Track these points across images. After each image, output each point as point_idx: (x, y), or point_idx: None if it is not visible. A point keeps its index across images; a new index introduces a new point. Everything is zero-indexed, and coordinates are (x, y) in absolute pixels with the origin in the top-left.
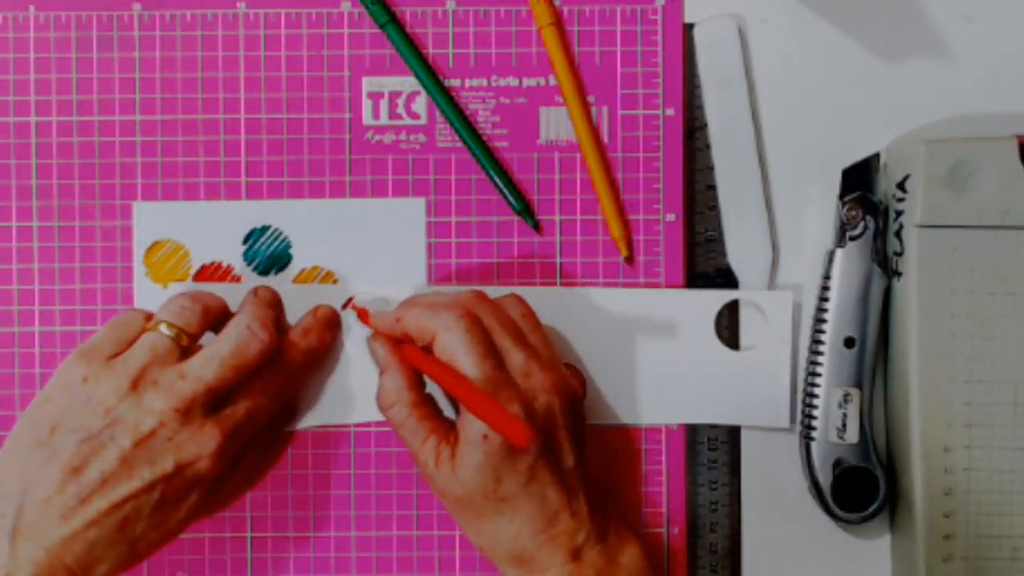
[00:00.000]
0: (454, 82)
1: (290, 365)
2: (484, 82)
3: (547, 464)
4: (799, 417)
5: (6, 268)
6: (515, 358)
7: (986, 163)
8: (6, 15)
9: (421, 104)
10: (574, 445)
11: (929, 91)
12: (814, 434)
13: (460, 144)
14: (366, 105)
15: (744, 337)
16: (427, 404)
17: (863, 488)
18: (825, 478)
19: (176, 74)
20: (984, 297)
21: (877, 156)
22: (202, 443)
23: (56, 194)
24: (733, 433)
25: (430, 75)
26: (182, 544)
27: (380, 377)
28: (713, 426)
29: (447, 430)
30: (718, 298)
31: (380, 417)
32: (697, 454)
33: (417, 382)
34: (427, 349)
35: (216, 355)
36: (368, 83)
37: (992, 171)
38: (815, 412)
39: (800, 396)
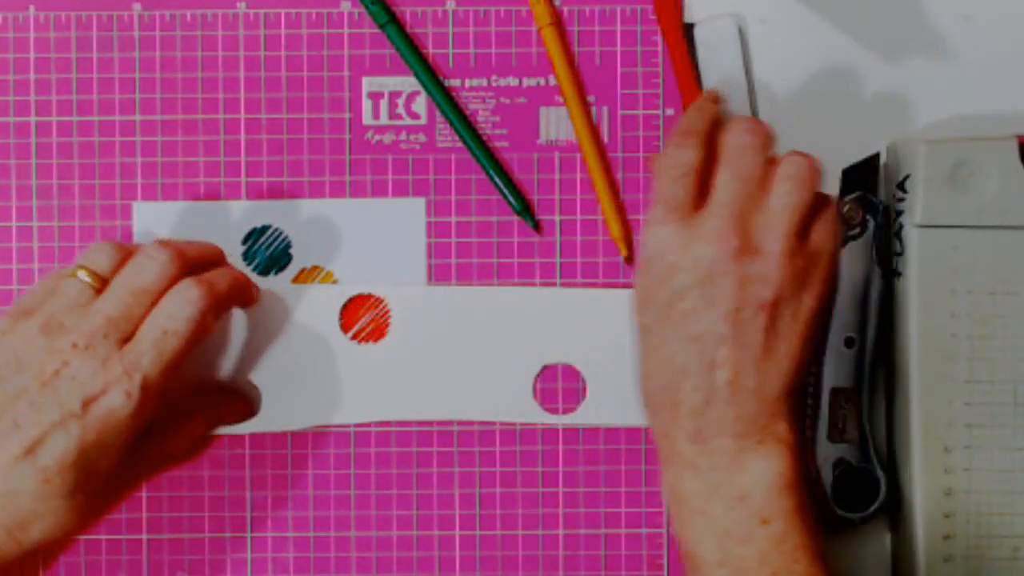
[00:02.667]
0: (454, 82)
1: (207, 293)
2: (484, 82)
3: (741, 277)
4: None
5: (6, 268)
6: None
7: (986, 163)
8: (6, 15)
9: (421, 104)
10: (811, 296)
11: (929, 91)
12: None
13: (460, 144)
14: (366, 105)
15: None
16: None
17: (863, 488)
18: (825, 478)
19: (176, 74)
20: (984, 297)
21: (877, 156)
22: (107, 375)
23: (56, 194)
24: None
25: (430, 75)
26: (182, 544)
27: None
28: None
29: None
30: None
31: (373, 419)
32: None
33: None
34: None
35: (114, 284)
36: (368, 83)
37: (992, 171)
38: (815, 412)
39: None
